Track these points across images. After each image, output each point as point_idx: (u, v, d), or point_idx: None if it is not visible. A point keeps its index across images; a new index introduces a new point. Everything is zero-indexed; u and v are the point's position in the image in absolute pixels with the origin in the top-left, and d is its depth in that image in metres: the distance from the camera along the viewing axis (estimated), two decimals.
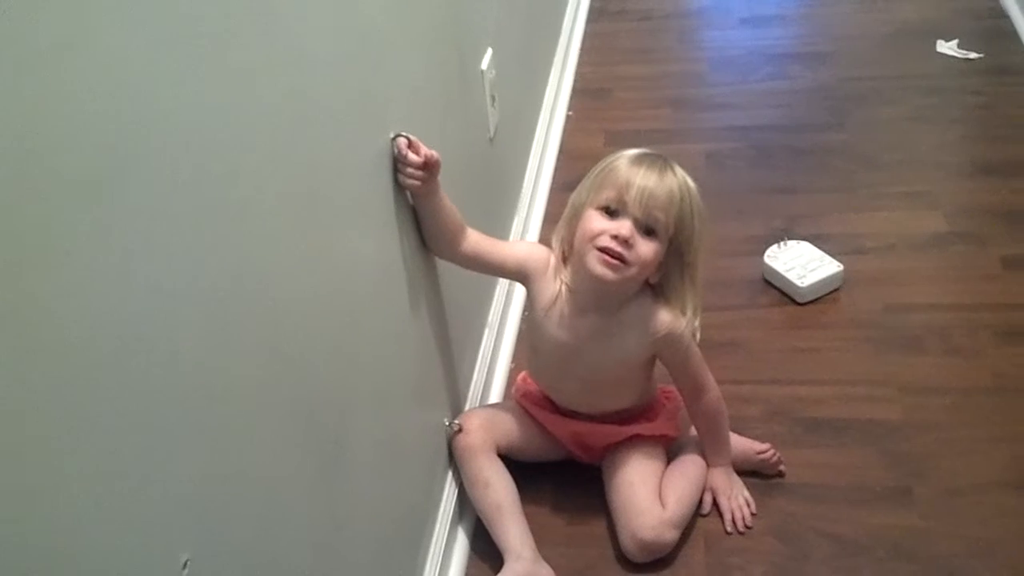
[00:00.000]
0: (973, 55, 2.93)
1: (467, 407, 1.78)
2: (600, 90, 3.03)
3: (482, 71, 1.91)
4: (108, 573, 0.71)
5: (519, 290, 2.10)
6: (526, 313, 1.96)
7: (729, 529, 1.66)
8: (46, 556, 0.64)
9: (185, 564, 0.80)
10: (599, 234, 1.47)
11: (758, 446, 1.73)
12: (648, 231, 1.47)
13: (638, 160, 1.50)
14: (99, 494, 0.70)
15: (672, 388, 1.74)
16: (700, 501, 1.69)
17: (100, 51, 0.69)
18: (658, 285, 1.56)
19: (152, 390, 0.76)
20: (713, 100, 2.91)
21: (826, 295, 2.11)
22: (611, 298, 1.55)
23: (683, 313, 1.56)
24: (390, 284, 1.37)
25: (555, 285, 1.59)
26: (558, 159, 2.67)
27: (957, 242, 2.23)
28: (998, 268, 2.13)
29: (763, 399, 1.89)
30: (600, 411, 1.70)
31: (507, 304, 2.08)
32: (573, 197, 1.57)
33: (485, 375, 1.89)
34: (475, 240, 1.55)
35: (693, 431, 1.75)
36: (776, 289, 2.14)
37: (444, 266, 1.58)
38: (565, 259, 1.59)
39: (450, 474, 1.68)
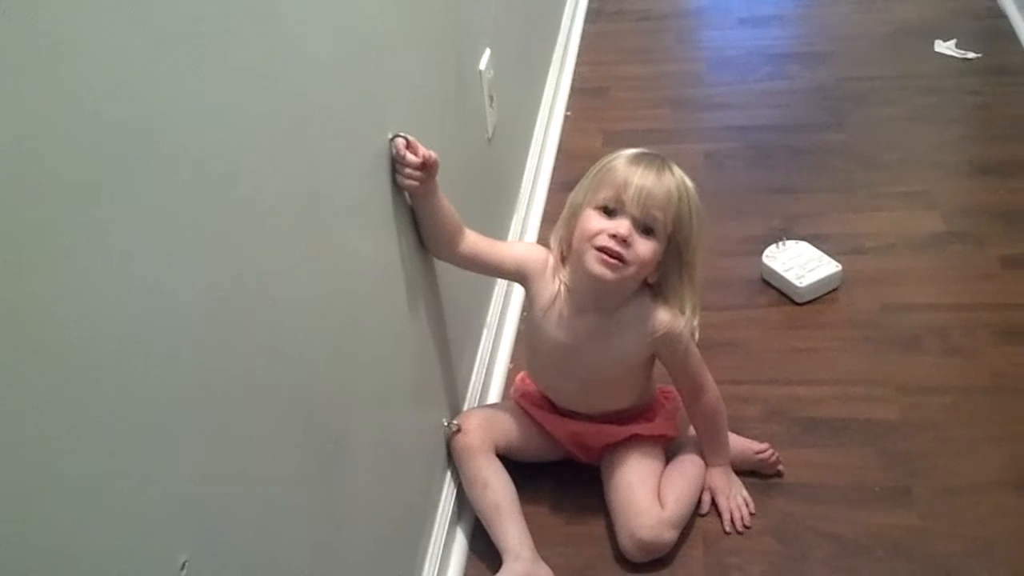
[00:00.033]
0: (971, 55, 2.93)
1: (466, 407, 1.78)
2: (598, 90, 3.03)
3: (480, 71, 1.91)
4: (107, 573, 0.71)
5: (518, 290, 2.10)
6: (524, 313, 1.96)
7: (728, 529, 1.66)
8: (46, 556, 0.64)
9: (183, 565, 0.80)
10: (597, 233, 1.47)
11: (757, 446, 1.74)
12: (646, 230, 1.47)
13: (636, 159, 1.50)
14: (99, 494, 0.70)
15: (671, 388, 1.74)
16: (699, 501, 1.69)
17: (100, 51, 0.69)
18: (657, 285, 1.56)
19: (151, 390, 0.76)
20: (712, 100, 2.91)
21: (825, 295, 2.11)
22: (610, 298, 1.55)
23: (682, 312, 1.56)
24: (389, 284, 1.37)
25: (554, 285, 1.59)
26: (556, 159, 2.67)
27: (955, 242, 2.23)
28: (997, 268, 2.13)
29: (761, 399, 1.89)
30: (599, 411, 1.70)
31: (506, 304, 2.08)
32: (571, 197, 1.57)
33: (484, 375, 1.89)
34: (473, 241, 1.56)
35: (692, 431, 1.75)
36: (774, 289, 2.14)
37: (442, 266, 1.58)
38: (564, 259, 1.59)
39: (449, 474, 1.68)
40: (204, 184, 0.84)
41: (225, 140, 0.88)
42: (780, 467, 1.74)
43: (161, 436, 0.77)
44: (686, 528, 1.65)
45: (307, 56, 1.07)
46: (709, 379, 1.66)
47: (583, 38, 3.33)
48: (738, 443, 1.74)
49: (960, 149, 2.58)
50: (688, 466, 1.71)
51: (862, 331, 2.02)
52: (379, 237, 1.33)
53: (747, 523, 1.66)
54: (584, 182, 1.55)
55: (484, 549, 1.64)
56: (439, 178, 1.41)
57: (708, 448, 1.71)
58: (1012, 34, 3.02)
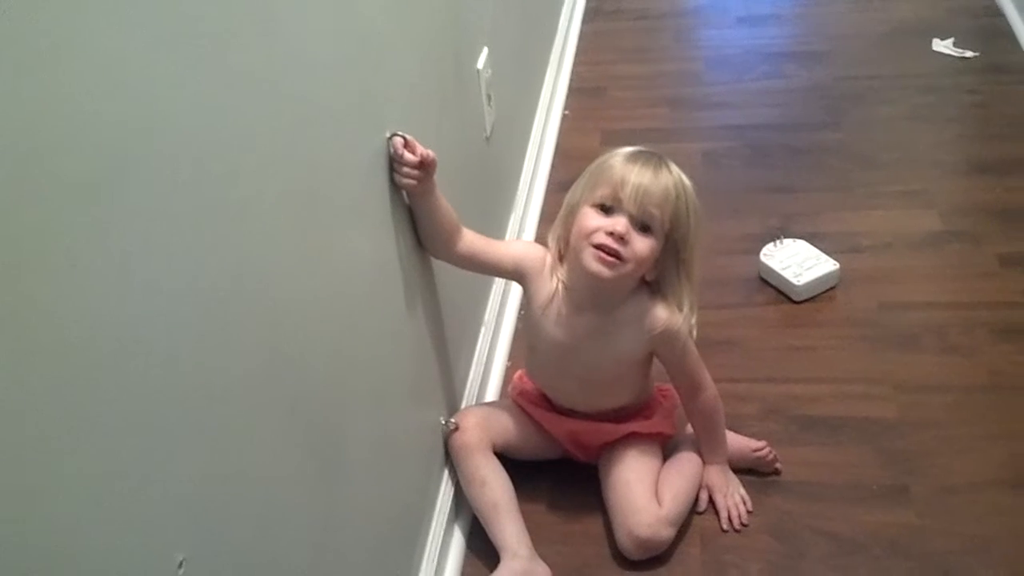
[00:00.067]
0: (969, 54, 2.93)
1: (463, 405, 1.78)
2: (596, 89, 3.03)
3: (478, 70, 1.91)
4: (105, 572, 0.71)
5: (515, 289, 2.10)
6: (522, 312, 1.96)
7: (725, 527, 1.66)
8: (45, 556, 0.65)
9: (181, 564, 0.80)
10: (595, 231, 1.47)
11: (754, 444, 1.74)
12: (643, 228, 1.48)
13: (633, 157, 1.50)
14: (98, 494, 0.70)
15: (669, 386, 1.75)
16: (696, 499, 1.69)
17: (100, 51, 0.69)
18: (655, 283, 1.56)
19: (151, 390, 0.76)
20: (709, 99, 2.92)
21: (822, 293, 2.11)
22: (607, 296, 1.55)
23: (680, 310, 1.56)
24: (387, 284, 1.37)
25: (551, 284, 1.59)
26: (554, 158, 2.67)
27: (953, 240, 2.23)
28: (994, 266, 2.14)
29: (759, 397, 1.90)
30: (597, 409, 1.70)
31: (503, 303, 2.09)
32: (568, 195, 1.57)
33: (481, 374, 1.90)
34: (471, 240, 1.56)
35: (689, 429, 1.75)
36: (772, 287, 2.14)
37: (440, 265, 1.58)
38: (561, 257, 1.59)
39: (446, 472, 1.68)
40: (204, 184, 0.84)
41: (225, 140, 0.88)
42: (778, 465, 1.75)
43: (161, 436, 0.78)
44: (684, 526, 1.66)
45: (305, 55, 1.07)
46: (707, 377, 1.66)
47: (581, 37, 3.33)
48: (736, 441, 1.74)
49: (958, 148, 2.59)
50: (686, 464, 1.71)
51: (860, 329, 2.02)
52: (377, 236, 1.33)
53: (744, 521, 1.67)
54: (581, 180, 1.55)
55: (482, 547, 1.65)
56: (437, 177, 1.41)
57: (706, 446, 1.72)
58: (1010, 33, 3.03)
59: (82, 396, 0.67)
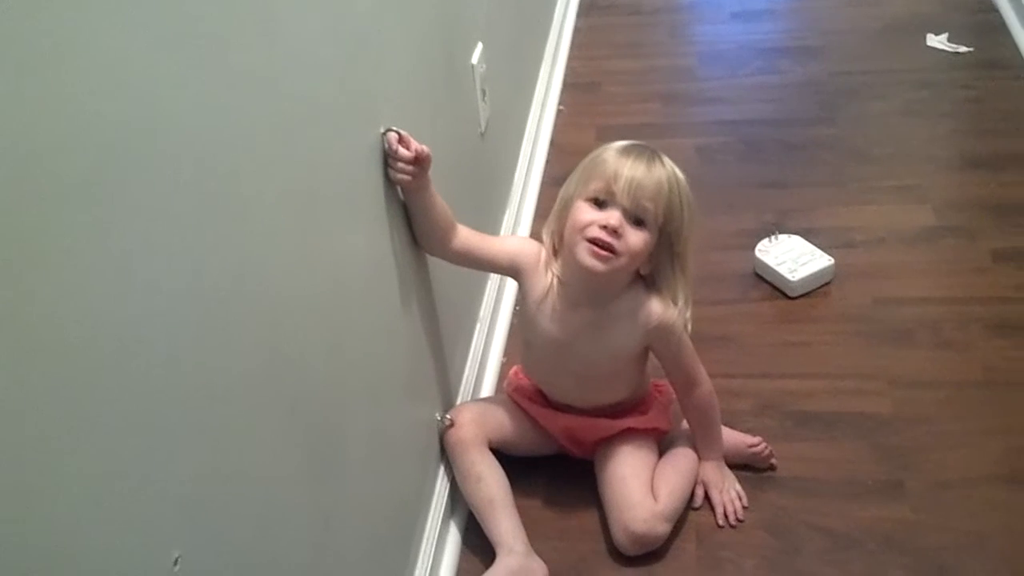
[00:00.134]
0: (963, 49, 2.94)
1: (459, 401, 1.78)
2: (591, 84, 3.03)
3: (472, 65, 1.91)
4: (101, 569, 0.71)
5: (510, 285, 2.11)
6: (518, 308, 1.96)
7: (721, 522, 1.67)
8: (45, 555, 0.65)
9: (176, 561, 0.80)
10: (588, 225, 1.47)
11: (750, 439, 1.74)
12: (637, 221, 1.48)
13: (626, 151, 1.50)
14: (98, 494, 0.70)
15: (664, 382, 1.75)
16: (692, 494, 1.69)
17: (101, 51, 0.69)
18: (649, 276, 1.56)
19: (151, 390, 0.76)
20: (703, 94, 2.92)
21: (817, 289, 2.11)
22: (602, 290, 1.55)
23: (674, 303, 1.56)
24: (382, 281, 1.37)
25: (546, 279, 1.59)
26: (549, 153, 2.67)
27: (947, 235, 2.24)
28: (988, 261, 2.14)
29: (754, 393, 1.90)
30: (593, 405, 1.70)
31: (498, 299, 2.09)
32: (562, 190, 1.57)
33: (477, 370, 1.90)
34: (466, 236, 1.55)
35: (685, 425, 1.76)
36: (767, 283, 2.14)
37: (435, 262, 1.57)
38: (556, 252, 1.59)
39: (442, 468, 1.68)
40: (205, 184, 0.84)
41: (226, 139, 0.88)
42: (773, 461, 1.75)
43: (161, 436, 0.78)
44: (679, 521, 1.66)
45: (300, 51, 1.07)
46: (702, 372, 1.66)
47: (575, 32, 3.33)
48: (731, 437, 1.74)
49: (952, 143, 2.59)
50: (681, 460, 1.71)
51: (854, 325, 2.03)
52: (372, 233, 1.33)
53: (740, 516, 1.67)
54: (575, 175, 1.55)
55: (477, 543, 1.65)
56: (431, 173, 1.41)
57: (701, 442, 1.72)
58: (1004, 28, 3.03)
59: (82, 396, 0.67)
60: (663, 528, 1.61)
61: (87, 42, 0.67)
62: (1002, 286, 2.08)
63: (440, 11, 1.71)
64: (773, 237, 2.18)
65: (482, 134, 2.00)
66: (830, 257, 2.12)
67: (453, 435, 1.66)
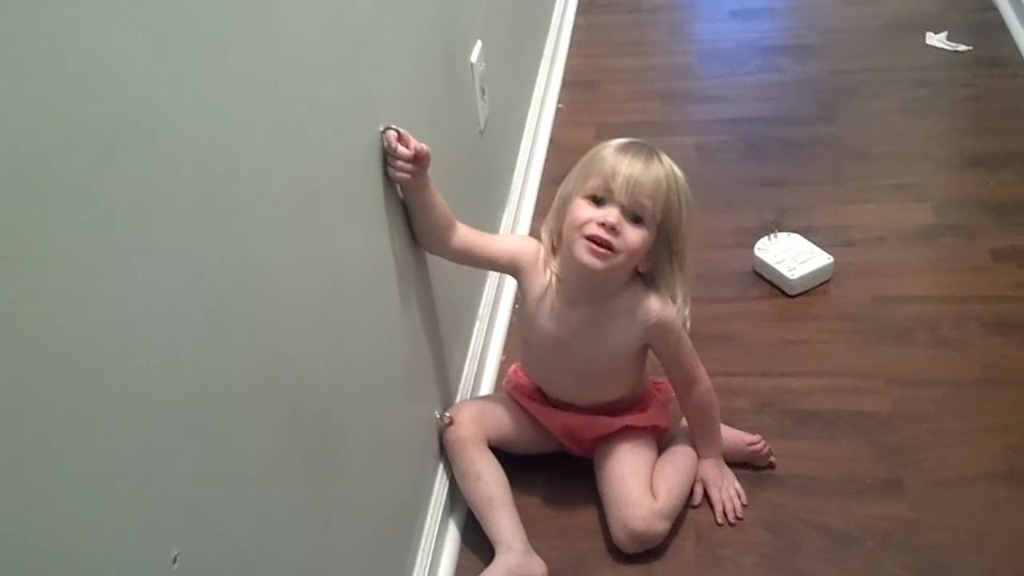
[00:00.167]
0: (962, 47, 2.94)
1: (458, 400, 1.78)
2: (590, 83, 3.03)
3: (472, 64, 1.91)
4: (101, 567, 0.71)
5: (509, 283, 2.11)
6: (517, 306, 1.96)
7: (720, 520, 1.67)
8: (45, 555, 0.65)
9: (175, 559, 0.80)
10: (586, 222, 1.48)
11: (749, 438, 1.74)
12: (635, 219, 1.48)
13: (624, 148, 1.51)
14: (98, 494, 0.70)
15: (663, 380, 1.75)
16: (691, 492, 1.69)
17: (101, 51, 0.69)
18: (648, 274, 1.56)
19: (151, 390, 0.76)
20: (703, 93, 2.92)
21: (816, 287, 2.11)
22: (601, 288, 1.55)
23: (673, 301, 1.56)
24: (381, 279, 1.37)
25: (545, 277, 1.59)
26: (548, 152, 2.67)
27: (946, 234, 2.23)
28: (987, 260, 2.14)
29: (753, 391, 1.90)
30: (592, 403, 1.70)
31: (498, 297, 2.09)
32: (561, 188, 1.57)
33: (476, 368, 1.90)
34: (465, 234, 1.55)
35: (684, 423, 1.76)
36: (766, 281, 2.14)
37: (434, 260, 1.57)
38: (554, 250, 1.59)
39: (441, 467, 1.68)
40: (205, 183, 0.84)
41: (226, 139, 0.88)
42: (772, 459, 1.75)
43: (161, 436, 0.78)
44: (678, 519, 1.66)
45: (300, 51, 1.07)
46: (701, 370, 1.66)
47: (575, 30, 3.33)
48: (730, 435, 1.75)
49: (951, 141, 2.59)
50: (680, 457, 1.71)
51: (853, 323, 2.03)
52: (371, 232, 1.33)
53: (739, 515, 1.67)
54: (573, 172, 1.55)
55: (477, 541, 1.65)
56: (431, 171, 1.41)
57: (700, 440, 1.72)
58: (1003, 26, 3.03)
59: (82, 396, 0.67)
60: (662, 526, 1.61)
61: (87, 42, 0.67)
62: (1001, 285, 2.08)
63: (439, 10, 1.71)
64: (772, 235, 2.18)
65: (481, 132, 2.00)
66: (829, 255, 2.12)
67: (452, 433, 1.66)
